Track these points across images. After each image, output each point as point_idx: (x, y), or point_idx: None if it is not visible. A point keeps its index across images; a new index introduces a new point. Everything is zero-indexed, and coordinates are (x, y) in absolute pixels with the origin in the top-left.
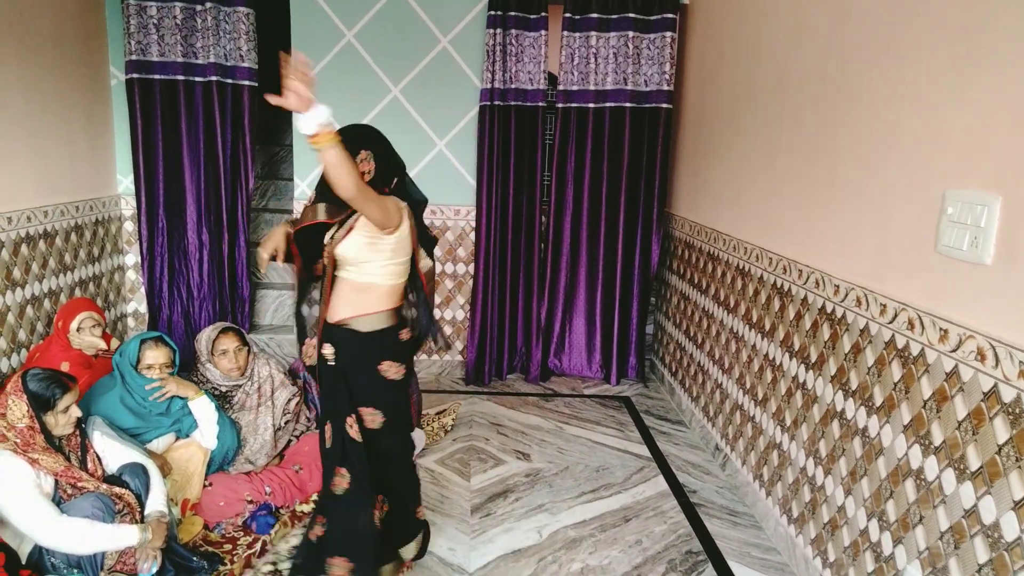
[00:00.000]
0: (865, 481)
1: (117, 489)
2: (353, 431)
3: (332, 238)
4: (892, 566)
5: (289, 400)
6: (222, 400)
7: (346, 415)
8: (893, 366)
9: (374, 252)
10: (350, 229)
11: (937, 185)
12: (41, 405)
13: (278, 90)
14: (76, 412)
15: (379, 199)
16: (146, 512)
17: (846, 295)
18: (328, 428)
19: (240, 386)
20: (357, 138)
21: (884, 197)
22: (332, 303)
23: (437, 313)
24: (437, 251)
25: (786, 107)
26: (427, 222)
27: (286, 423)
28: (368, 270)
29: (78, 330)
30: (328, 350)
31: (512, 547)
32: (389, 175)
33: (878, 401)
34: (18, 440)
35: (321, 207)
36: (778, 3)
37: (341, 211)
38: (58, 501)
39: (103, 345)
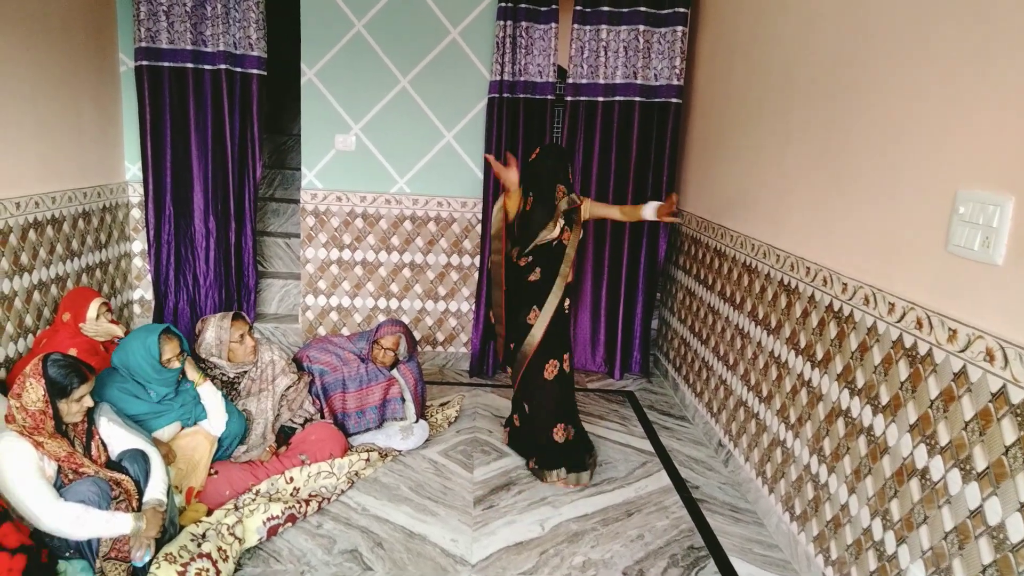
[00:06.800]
0: (869, 480)
1: (115, 475)
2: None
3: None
4: (895, 565)
5: (289, 387)
6: (229, 388)
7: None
8: (900, 365)
9: None
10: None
11: (948, 184)
12: (58, 392)
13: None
14: (89, 402)
15: None
16: (144, 500)
17: (854, 293)
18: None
19: (246, 372)
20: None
21: (894, 195)
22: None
23: (442, 305)
24: (443, 243)
25: (796, 104)
26: (433, 214)
27: (282, 409)
28: None
29: (97, 317)
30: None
31: (514, 539)
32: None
33: (884, 400)
34: (27, 423)
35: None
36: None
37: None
38: (59, 485)
39: (120, 332)
